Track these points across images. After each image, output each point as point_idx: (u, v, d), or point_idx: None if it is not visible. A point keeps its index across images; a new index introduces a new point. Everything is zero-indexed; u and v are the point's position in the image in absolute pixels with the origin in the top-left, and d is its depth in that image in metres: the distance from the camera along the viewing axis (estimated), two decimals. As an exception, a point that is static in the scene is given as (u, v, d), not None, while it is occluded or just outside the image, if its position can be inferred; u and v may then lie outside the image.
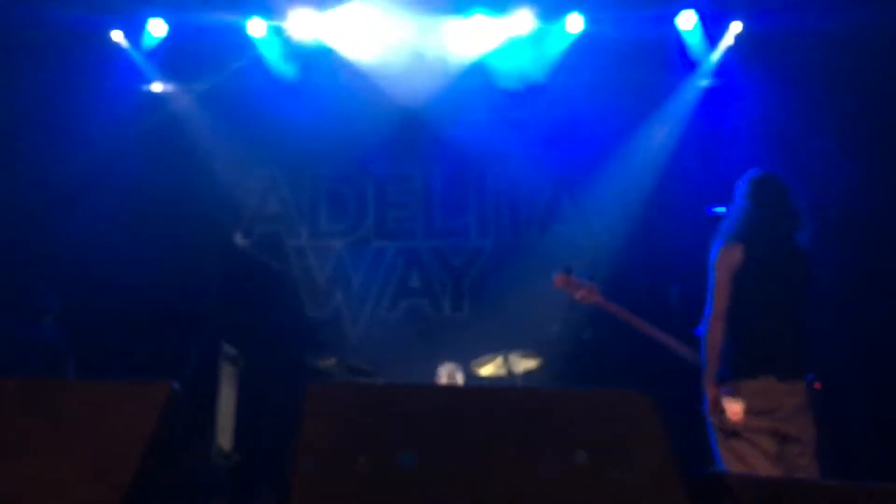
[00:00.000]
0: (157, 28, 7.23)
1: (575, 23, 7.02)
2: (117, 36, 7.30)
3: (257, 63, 7.27)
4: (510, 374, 5.84)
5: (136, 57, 7.40)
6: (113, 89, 7.35)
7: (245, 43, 7.23)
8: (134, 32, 7.35)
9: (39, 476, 1.56)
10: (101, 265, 6.80)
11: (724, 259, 3.75)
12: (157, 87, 7.55)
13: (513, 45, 7.18)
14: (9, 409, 1.73)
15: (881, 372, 6.07)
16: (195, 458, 5.43)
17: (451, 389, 2.85)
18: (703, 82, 7.34)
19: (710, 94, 7.37)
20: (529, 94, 7.24)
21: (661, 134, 7.29)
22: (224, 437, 6.09)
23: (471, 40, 7.15)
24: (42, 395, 1.79)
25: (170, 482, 1.86)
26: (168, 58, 7.40)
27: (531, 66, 7.18)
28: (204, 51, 7.32)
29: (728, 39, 7.14)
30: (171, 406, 1.81)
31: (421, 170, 7.66)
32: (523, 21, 7.04)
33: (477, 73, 7.28)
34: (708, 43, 7.19)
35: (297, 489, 1.52)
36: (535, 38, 7.16)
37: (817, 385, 5.31)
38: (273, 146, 7.39)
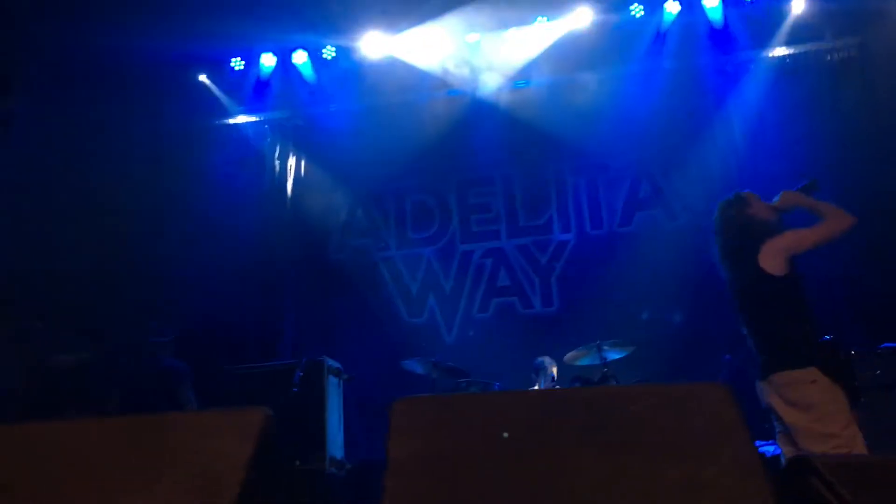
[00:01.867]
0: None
1: (639, 10, 7.05)
2: (202, 76, 7.69)
3: (331, 89, 7.53)
4: (604, 364, 5.90)
5: (218, 92, 7.79)
6: (199, 123, 7.76)
7: (319, 69, 7.51)
8: (216, 67, 7.73)
9: None
10: (208, 294, 7.14)
11: None
12: (240, 119, 7.92)
13: (580, 38, 7.23)
14: (115, 446, 1.80)
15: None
16: (309, 471, 5.67)
17: (533, 394, 2.90)
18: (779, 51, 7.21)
19: (786, 64, 7.23)
20: (603, 87, 7.26)
21: (738, 111, 7.21)
22: (334, 447, 6.35)
23: (535, 41, 7.25)
24: (145, 430, 1.86)
25: (275, 501, 1.92)
26: (249, 90, 7.76)
27: (602, 57, 7.21)
28: (282, 82, 7.65)
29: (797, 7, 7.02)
30: (267, 431, 1.83)
31: (500, 171, 7.77)
32: (582, 16, 7.11)
33: (547, 69, 7.36)
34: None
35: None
36: (603, 31, 7.20)
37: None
38: (354, 165, 7.65)
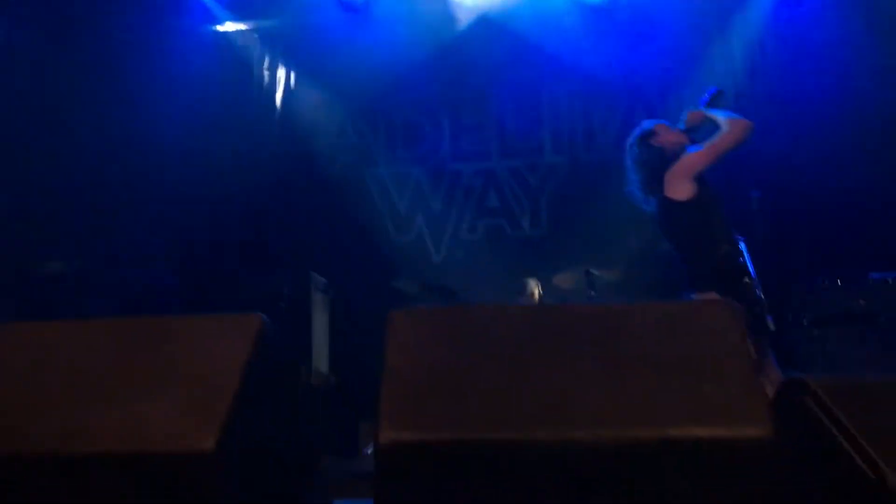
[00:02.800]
0: None
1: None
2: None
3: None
4: (590, 287, 5.93)
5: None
6: (184, 29, 7.53)
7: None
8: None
9: (144, 411, 1.64)
10: (190, 206, 7.08)
11: None
12: (228, 26, 7.70)
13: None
14: (114, 349, 1.81)
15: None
16: (295, 383, 5.73)
17: (531, 308, 2.90)
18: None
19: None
20: (602, 9, 7.08)
21: (739, 38, 7.08)
22: (320, 361, 6.41)
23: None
24: (142, 333, 1.87)
25: (269, 410, 1.93)
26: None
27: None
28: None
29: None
30: (263, 336, 1.85)
31: (494, 90, 7.63)
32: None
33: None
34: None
35: (384, 416, 1.58)
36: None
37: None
38: (346, 79, 7.47)
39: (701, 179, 3.79)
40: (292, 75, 7.76)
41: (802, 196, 6.58)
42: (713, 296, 3.54)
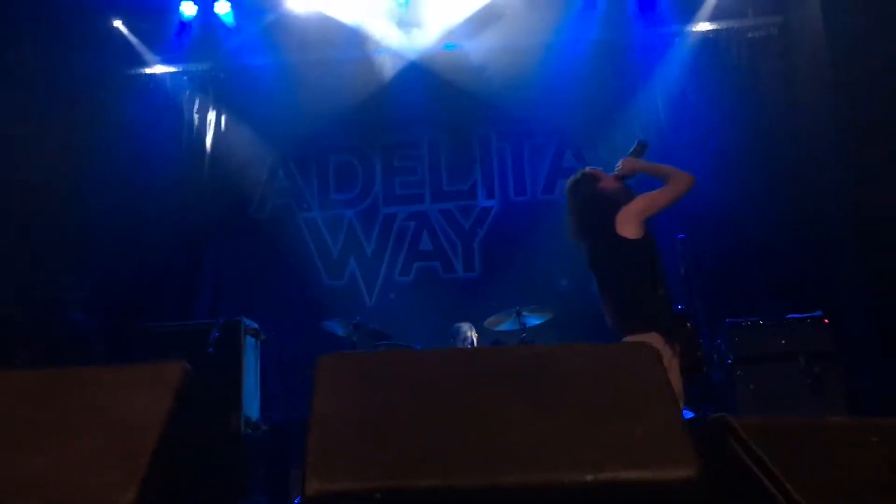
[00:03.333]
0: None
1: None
2: (117, 21, 7.34)
3: (254, 43, 7.30)
4: (523, 329, 5.97)
5: (134, 39, 7.46)
6: (112, 71, 7.43)
7: (242, 19, 7.27)
8: (132, 13, 7.38)
9: (58, 464, 1.57)
10: (120, 251, 6.92)
11: None
12: (157, 69, 7.62)
13: (511, 3, 7.20)
14: (25, 401, 1.73)
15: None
16: (223, 431, 5.59)
17: (460, 351, 2.91)
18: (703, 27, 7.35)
19: (709, 40, 7.39)
20: (532, 54, 7.25)
21: (661, 84, 7.33)
22: (251, 407, 6.27)
23: (466, 3, 7.19)
24: (57, 384, 1.78)
25: (193, 461, 1.87)
26: (167, 39, 7.46)
27: (533, 24, 7.19)
28: (203, 32, 7.38)
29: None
30: (186, 385, 1.80)
31: (426, 135, 7.72)
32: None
33: (473, 34, 7.32)
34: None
35: (309, 465, 1.54)
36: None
37: (826, 321, 5.52)
38: (277, 122, 7.47)
39: (649, 222, 3.88)
40: (223, 118, 7.70)
41: (725, 240, 6.81)
42: (654, 336, 3.54)
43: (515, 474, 1.54)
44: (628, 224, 3.81)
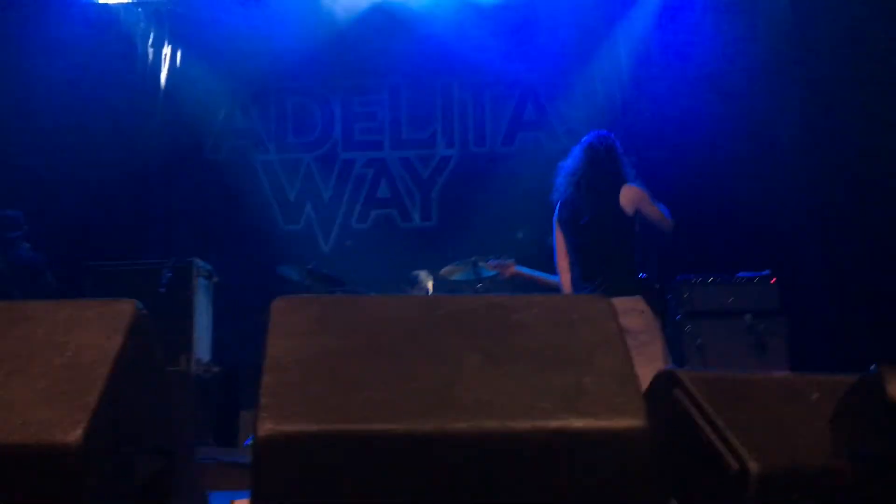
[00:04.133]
0: None
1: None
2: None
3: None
4: (478, 279, 6.00)
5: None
6: (64, 2, 7.15)
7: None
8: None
9: (2, 401, 1.55)
10: (71, 187, 6.76)
11: None
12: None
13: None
14: None
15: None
16: (174, 372, 5.56)
17: (416, 299, 2.93)
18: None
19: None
20: (496, 7, 7.16)
21: (625, 40, 7.31)
22: (202, 349, 6.24)
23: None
24: (3, 318, 1.75)
25: (141, 401, 1.85)
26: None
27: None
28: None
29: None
30: (137, 324, 1.78)
31: (388, 81, 7.61)
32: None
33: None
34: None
35: (263, 406, 1.55)
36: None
37: (773, 280, 5.67)
38: (236, 61, 7.28)
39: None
40: (179, 54, 7.47)
41: (680, 198, 6.87)
42: (640, 301, 4.11)
43: (468, 421, 1.56)
44: (629, 201, 4.31)
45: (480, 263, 5.97)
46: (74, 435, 1.47)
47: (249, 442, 5.56)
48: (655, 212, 4.39)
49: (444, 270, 6.20)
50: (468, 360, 1.67)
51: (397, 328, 1.75)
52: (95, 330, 1.68)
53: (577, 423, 1.56)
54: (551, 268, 6.87)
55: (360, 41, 7.30)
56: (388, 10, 7.27)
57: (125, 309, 1.75)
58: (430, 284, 6.32)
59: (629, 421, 1.58)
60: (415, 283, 6.32)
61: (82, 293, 5.96)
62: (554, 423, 1.56)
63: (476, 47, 7.22)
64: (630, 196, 4.32)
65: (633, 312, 4.03)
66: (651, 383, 2.01)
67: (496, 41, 7.21)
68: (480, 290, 5.95)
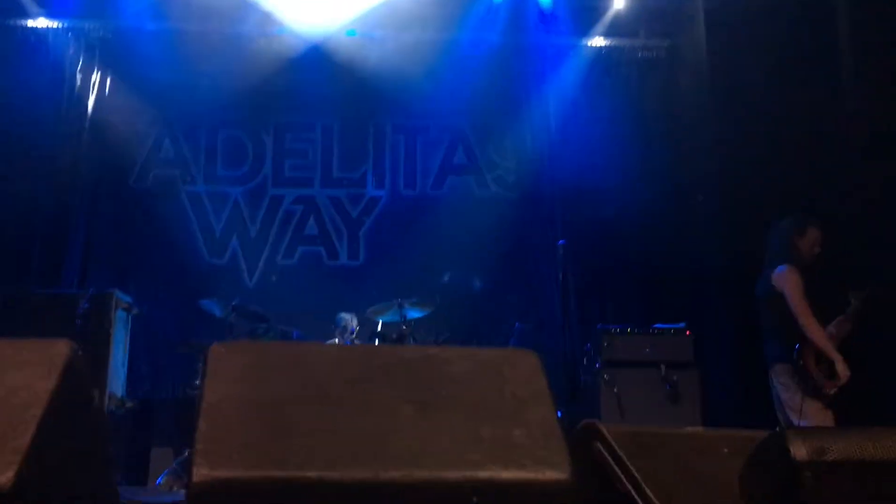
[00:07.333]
0: None
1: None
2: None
3: (153, 5, 7.02)
4: (403, 321, 6.05)
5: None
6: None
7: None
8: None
9: None
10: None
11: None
12: (41, 22, 7.21)
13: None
14: None
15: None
16: (92, 409, 5.41)
17: (353, 348, 2.96)
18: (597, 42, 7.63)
19: (602, 55, 7.67)
20: (433, 50, 7.31)
21: (555, 93, 7.57)
22: (116, 383, 6.08)
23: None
24: None
25: (69, 440, 1.83)
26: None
27: (436, 20, 7.25)
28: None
29: (619, 2, 7.45)
30: (72, 365, 1.76)
31: (321, 119, 7.65)
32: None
33: (377, 25, 7.31)
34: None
35: (198, 452, 1.56)
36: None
37: (688, 332, 5.89)
38: (167, 91, 7.20)
39: None
40: (108, 81, 7.36)
41: (601, 249, 7.12)
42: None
43: (400, 470, 1.61)
44: (778, 282, 4.68)
45: (405, 304, 6.03)
46: (5, 477, 1.46)
47: (160, 481, 5.45)
48: (796, 311, 4.62)
49: (370, 311, 6.24)
50: (402, 411, 1.72)
51: (334, 377, 1.79)
52: (30, 370, 1.66)
53: (506, 474, 1.63)
54: (475, 310, 7.03)
55: (296, 78, 7.35)
56: (325, 50, 7.34)
57: (61, 350, 1.74)
58: (354, 324, 6.33)
59: (555, 473, 1.65)
60: (339, 323, 6.32)
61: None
62: (483, 474, 1.63)
63: (409, 90, 7.34)
64: (781, 278, 4.65)
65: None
66: (574, 435, 2.10)
67: (430, 86, 7.35)
68: (406, 332, 6.00)
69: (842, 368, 4.40)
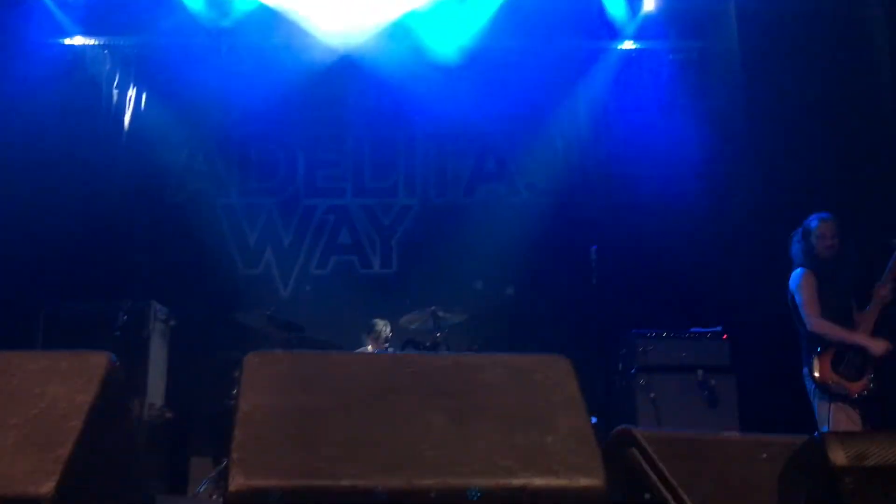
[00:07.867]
0: None
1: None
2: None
3: (186, 21, 7.12)
4: (437, 329, 6.05)
5: (54, 7, 7.18)
6: (29, 40, 7.14)
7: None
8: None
9: None
10: (27, 226, 6.67)
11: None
12: (77, 40, 7.36)
13: (442, 6, 7.25)
14: None
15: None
16: (131, 419, 5.49)
17: (385, 357, 2.96)
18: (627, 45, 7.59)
19: (632, 58, 7.62)
20: (459, 58, 7.32)
21: (585, 98, 7.54)
22: (155, 394, 6.17)
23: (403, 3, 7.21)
24: None
25: (109, 451, 1.86)
26: (90, 10, 7.22)
27: (461, 29, 7.26)
28: (130, 5, 7.17)
29: (648, 4, 7.40)
30: (110, 376, 1.81)
31: (351, 130, 7.70)
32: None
33: (407, 35, 7.34)
34: (630, 8, 7.45)
35: (235, 461, 1.59)
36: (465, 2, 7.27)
37: (724, 336, 5.81)
38: (201, 105, 7.30)
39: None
40: (143, 96, 7.49)
41: (636, 253, 7.05)
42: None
43: (433, 478, 1.61)
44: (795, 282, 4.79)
45: (439, 312, 6.03)
46: (47, 487, 1.49)
47: (201, 489, 5.50)
48: (805, 310, 4.70)
49: (403, 319, 6.25)
50: (434, 419, 1.72)
51: (367, 386, 1.80)
52: (70, 382, 1.70)
53: (539, 481, 1.63)
54: (508, 316, 7.01)
55: (327, 91, 7.40)
56: (356, 62, 7.39)
57: (99, 361, 1.78)
58: (388, 332, 6.35)
59: (588, 480, 1.65)
60: (372, 330, 6.35)
61: (34, 335, 5.87)
62: (516, 481, 1.62)
63: (439, 100, 7.35)
64: (797, 280, 4.74)
65: None
66: (608, 441, 2.09)
67: (459, 95, 7.35)
68: (439, 340, 5.99)
69: (874, 345, 4.31)
